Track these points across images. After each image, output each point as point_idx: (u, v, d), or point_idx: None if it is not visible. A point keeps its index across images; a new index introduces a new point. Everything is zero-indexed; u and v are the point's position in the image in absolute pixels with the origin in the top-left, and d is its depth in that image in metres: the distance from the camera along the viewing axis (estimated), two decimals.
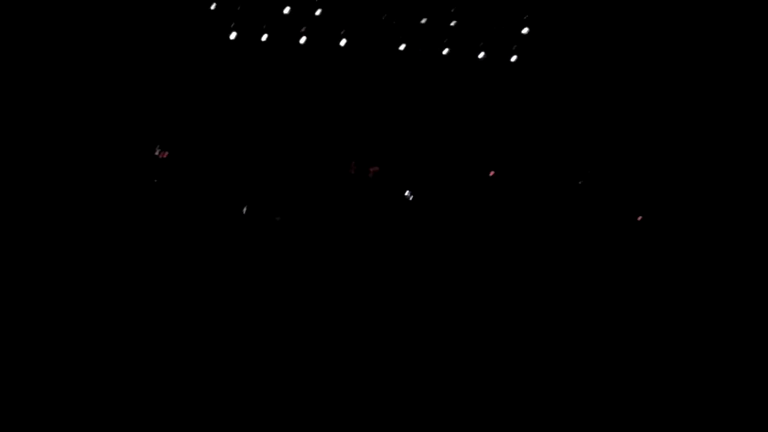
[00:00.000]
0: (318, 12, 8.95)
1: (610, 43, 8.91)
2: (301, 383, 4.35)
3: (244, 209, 7.86)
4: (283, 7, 8.94)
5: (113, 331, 4.98)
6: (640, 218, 7.97)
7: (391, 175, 8.50)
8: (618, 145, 8.93)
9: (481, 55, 9.20)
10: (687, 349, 5.08)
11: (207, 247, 6.72)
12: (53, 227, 6.79)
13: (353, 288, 5.86)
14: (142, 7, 8.56)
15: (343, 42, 9.10)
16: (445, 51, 9.21)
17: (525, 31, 9.03)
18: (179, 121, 8.92)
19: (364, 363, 4.56)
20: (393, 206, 8.17)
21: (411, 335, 5.01)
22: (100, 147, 8.17)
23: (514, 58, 9.18)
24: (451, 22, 8.99)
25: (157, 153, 8.97)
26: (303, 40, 9.06)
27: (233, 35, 9.03)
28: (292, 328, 5.00)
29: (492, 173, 9.05)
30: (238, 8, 8.90)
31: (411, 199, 7.85)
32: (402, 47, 9.22)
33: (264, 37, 9.06)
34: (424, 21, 9.02)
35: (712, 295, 6.09)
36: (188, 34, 8.97)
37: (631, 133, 8.94)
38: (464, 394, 4.38)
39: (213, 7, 8.85)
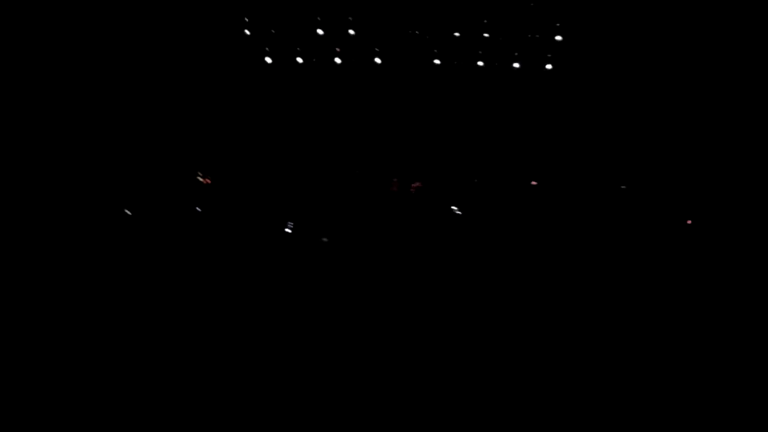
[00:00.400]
0: (351, 32, 8.98)
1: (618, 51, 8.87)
2: (315, 384, 4.42)
3: (289, 227, 7.89)
4: (316, 28, 9.01)
5: (115, 331, 5.04)
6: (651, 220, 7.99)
7: (434, 190, 8.51)
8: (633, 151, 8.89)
9: (516, 65, 9.20)
10: (687, 349, 5.11)
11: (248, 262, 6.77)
12: (56, 228, 6.91)
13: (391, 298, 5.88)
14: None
15: (378, 60, 9.17)
16: (480, 63, 9.22)
17: (558, 40, 9.00)
18: (228, 145, 9.07)
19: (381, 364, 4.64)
20: (437, 221, 8.15)
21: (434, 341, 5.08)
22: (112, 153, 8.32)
23: (549, 66, 9.16)
24: (484, 33, 8.98)
25: (200, 178, 9.11)
26: (338, 60, 9.16)
27: (269, 60, 9.13)
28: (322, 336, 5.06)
29: (534, 183, 9.03)
30: (272, 32, 8.99)
31: (458, 213, 7.85)
32: (437, 61, 9.25)
33: (299, 60, 9.17)
34: (457, 34, 9.03)
35: (712, 295, 6.12)
36: (225, 61, 9.07)
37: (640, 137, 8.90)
38: (469, 393, 4.43)
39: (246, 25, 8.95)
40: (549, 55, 9.13)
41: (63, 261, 6.30)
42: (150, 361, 4.61)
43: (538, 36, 9.02)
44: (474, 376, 4.54)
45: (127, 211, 7.88)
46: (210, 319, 5.26)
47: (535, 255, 6.99)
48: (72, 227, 7.08)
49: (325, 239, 7.54)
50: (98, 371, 4.42)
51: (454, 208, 7.55)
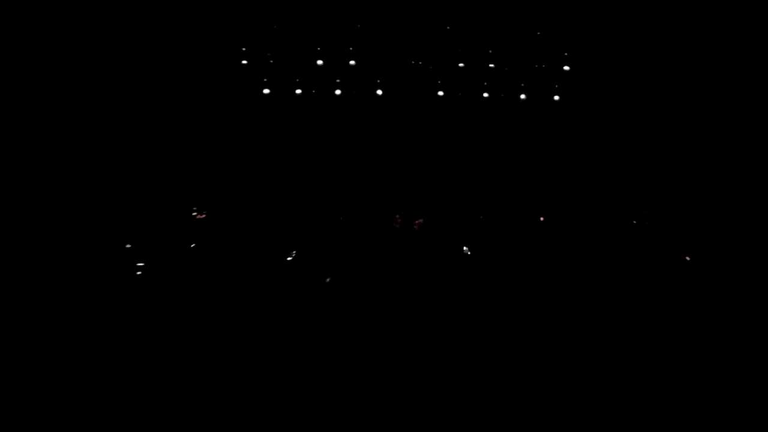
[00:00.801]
0: (352, 63, 8.68)
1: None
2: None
3: (288, 264, 7.55)
4: (316, 59, 8.71)
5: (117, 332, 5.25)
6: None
7: (438, 227, 8.14)
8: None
9: (523, 96, 8.89)
10: (687, 349, 5.23)
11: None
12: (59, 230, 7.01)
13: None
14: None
15: (380, 92, 8.86)
16: (486, 94, 8.91)
17: (567, 70, 8.70)
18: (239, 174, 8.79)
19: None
20: (442, 261, 7.77)
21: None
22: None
23: (556, 98, 8.85)
24: (489, 63, 8.68)
25: (194, 214, 8.77)
26: (338, 92, 8.85)
27: (266, 91, 8.82)
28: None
29: (541, 219, 8.67)
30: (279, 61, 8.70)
31: (468, 254, 7.46)
32: (441, 93, 8.94)
33: (298, 91, 8.86)
34: (461, 65, 8.73)
35: (713, 295, 6.25)
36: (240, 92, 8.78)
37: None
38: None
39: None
40: (556, 86, 8.83)
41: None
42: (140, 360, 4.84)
43: (545, 66, 8.71)
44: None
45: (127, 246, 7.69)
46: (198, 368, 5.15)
47: (546, 300, 6.61)
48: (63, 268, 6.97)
49: (327, 280, 7.16)
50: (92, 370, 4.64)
51: (465, 248, 7.16)
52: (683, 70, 8.45)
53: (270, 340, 5.50)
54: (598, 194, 8.73)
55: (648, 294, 6.53)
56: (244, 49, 8.49)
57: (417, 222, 8.32)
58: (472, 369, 5.06)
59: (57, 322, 5.62)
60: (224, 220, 8.50)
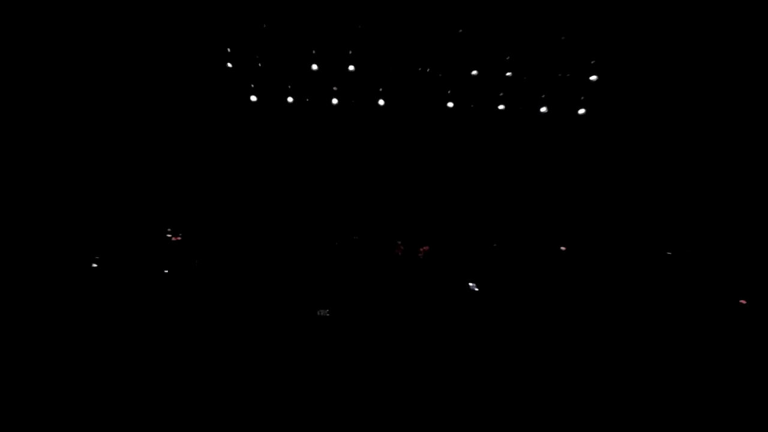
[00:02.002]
0: (351, 68, 7.69)
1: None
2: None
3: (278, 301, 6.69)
4: (311, 63, 7.72)
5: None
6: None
7: (445, 256, 7.10)
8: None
9: (544, 109, 7.88)
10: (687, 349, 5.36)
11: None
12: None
13: None
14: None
15: (381, 102, 7.85)
16: (501, 107, 7.90)
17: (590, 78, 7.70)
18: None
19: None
20: (448, 293, 6.77)
21: None
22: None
23: (581, 111, 7.85)
24: (506, 72, 7.68)
25: (169, 236, 7.86)
26: (335, 101, 7.85)
27: (254, 98, 7.83)
28: None
29: (563, 249, 7.63)
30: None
31: (476, 290, 6.40)
32: (450, 104, 7.92)
33: (290, 99, 7.85)
34: (474, 72, 7.72)
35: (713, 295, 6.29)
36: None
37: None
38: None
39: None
40: (582, 98, 7.82)
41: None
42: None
43: (569, 75, 7.71)
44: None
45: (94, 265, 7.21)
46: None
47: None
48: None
49: (322, 313, 6.38)
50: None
51: (471, 284, 6.14)
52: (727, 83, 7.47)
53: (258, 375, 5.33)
54: (628, 225, 7.70)
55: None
56: (228, 50, 7.50)
57: (422, 249, 7.28)
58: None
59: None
60: (210, 244, 7.59)
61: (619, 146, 7.90)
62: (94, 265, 7.22)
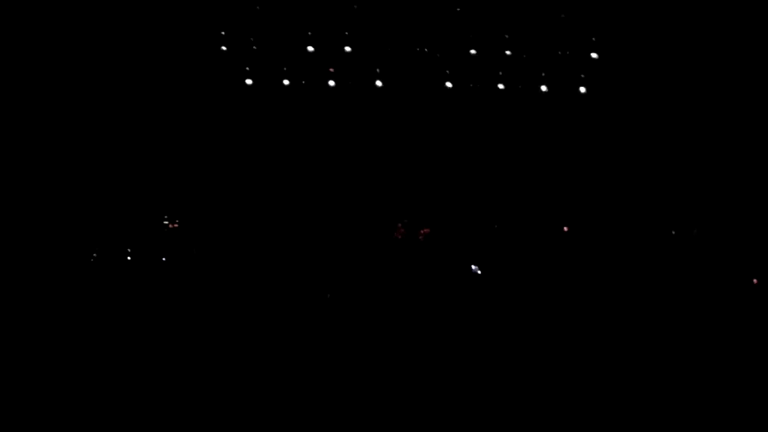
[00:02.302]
0: (348, 49, 7.60)
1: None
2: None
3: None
4: (306, 44, 7.62)
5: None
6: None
7: (447, 237, 7.02)
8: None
9: (544, 88, 7.78)
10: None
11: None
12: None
13: None
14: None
15: (379, 83, 7.75)
16: (501, 86, 7.79)
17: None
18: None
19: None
20: (449, 276, 6.71)
21: None
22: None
23: (582, 89, 7.75)
24: (505, 50, 7.57)
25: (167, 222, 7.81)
26: (332, 83, 7.76)
27: (249, 81, 7.73)
28: None
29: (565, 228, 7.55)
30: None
31: (478, 272, 6.32)
32: (449, 84, 7.82)
33: (286, 82, 7.76)
34: (473, 51, 7.62)
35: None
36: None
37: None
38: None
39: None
40: (582, 76, 7.71)
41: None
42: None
43: (569, 53, 7.60)
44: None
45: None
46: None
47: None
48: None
49: (324, 295, 6.41)
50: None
51: (474, 267, 6.06)
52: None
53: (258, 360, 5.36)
54: (629, 204, 7.62)
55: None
56: (223, 33, 7.40)
57: (423, 231, 7.21)
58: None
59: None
60: (209, 229, 7.54)
61: (623, 125, 7.80)
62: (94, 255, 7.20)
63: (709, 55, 7.37)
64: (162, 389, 4.95)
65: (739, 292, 6.35)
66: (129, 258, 7.27)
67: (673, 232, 7.40)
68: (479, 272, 6.40)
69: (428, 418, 4.65)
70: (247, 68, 7.70)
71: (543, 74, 7.72)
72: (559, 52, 7.56)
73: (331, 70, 7.73)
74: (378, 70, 7.77)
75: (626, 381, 5.05)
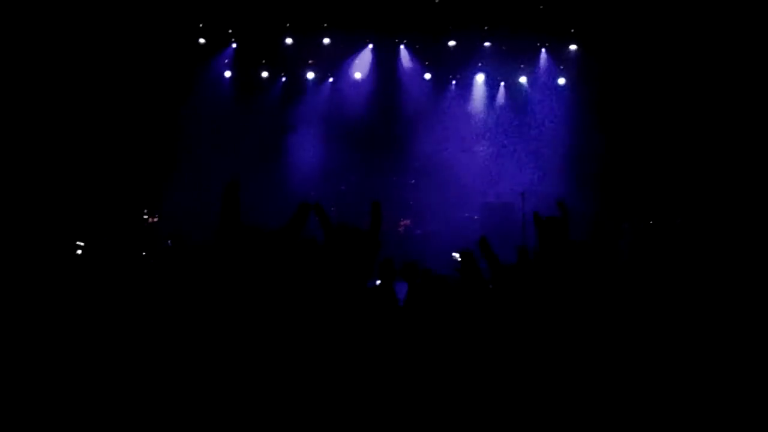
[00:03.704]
0: None
1: None
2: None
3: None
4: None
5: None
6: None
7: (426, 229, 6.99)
8: None
9: None
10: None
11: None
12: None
13: None
14: None
15: None
16: None
17: None
18: None
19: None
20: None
21: None
22: None
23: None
24: None
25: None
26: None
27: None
28: None
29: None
30: None
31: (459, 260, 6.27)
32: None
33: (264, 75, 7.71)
34: None
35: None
36: None
37: None
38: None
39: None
40: (561, 68, 7.69)
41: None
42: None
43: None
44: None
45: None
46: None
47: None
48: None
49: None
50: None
51: (454, 254, 6.03)
52: None
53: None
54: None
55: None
56: (201, 25, 7.35)
57: (403, 223, 7.20)
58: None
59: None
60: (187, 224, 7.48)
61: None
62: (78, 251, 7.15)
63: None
64: (162, 389, 4.91)
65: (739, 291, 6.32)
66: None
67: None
68: (459, 259, 6.36)
69: (428, 417, 4.61)
70: (226, 61, 7.63)
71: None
72: None
73: (310, 62, 7.66)
74: None
75: (627, 380, 5.04)
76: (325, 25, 7.27)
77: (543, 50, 8.25)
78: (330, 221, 1.52)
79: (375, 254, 1.65)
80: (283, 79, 9.33)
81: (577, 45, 7.49)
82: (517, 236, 7.00)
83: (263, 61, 8.86)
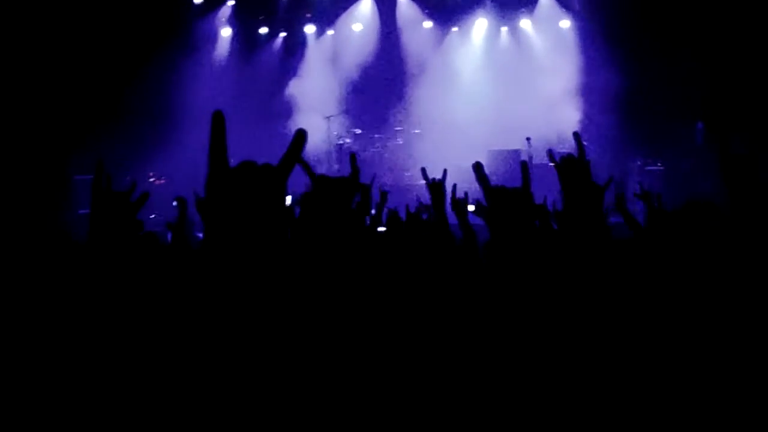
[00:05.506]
0: None
1: None
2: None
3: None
4: None
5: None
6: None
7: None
8: None
9: None
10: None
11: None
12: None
13: None
14: None
15: None
16: None
17: None
18: None
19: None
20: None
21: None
22: None
23: None
24: None
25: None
26: None
27: None
28: None
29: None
30: None
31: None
32: None
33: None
34: None
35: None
36: None
37: None
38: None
39: None
40: None
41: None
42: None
43: None
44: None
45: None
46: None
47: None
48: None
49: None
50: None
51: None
52: None
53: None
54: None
55: None
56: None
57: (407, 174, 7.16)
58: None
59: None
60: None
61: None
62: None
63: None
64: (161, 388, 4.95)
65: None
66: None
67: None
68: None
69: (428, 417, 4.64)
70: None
71: None
72: None
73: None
74: None
75: (625, 381, 5.05)
76: None
77: None
78: (313, 171, 1.49)
79: (353, 196, 1.61)
80: (283, 34, 9.40)
81: None
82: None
83: (261, 17, 8.81)
